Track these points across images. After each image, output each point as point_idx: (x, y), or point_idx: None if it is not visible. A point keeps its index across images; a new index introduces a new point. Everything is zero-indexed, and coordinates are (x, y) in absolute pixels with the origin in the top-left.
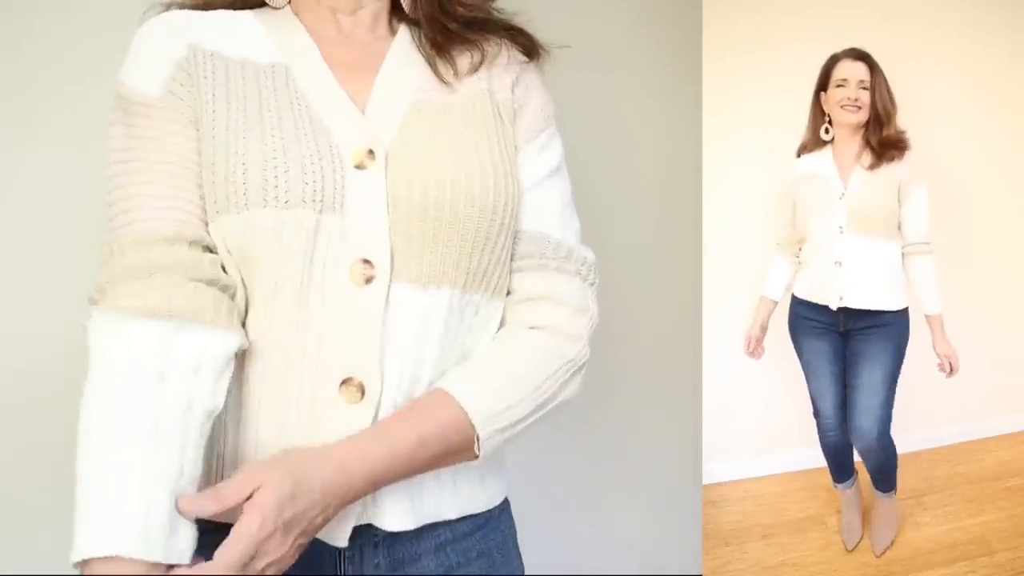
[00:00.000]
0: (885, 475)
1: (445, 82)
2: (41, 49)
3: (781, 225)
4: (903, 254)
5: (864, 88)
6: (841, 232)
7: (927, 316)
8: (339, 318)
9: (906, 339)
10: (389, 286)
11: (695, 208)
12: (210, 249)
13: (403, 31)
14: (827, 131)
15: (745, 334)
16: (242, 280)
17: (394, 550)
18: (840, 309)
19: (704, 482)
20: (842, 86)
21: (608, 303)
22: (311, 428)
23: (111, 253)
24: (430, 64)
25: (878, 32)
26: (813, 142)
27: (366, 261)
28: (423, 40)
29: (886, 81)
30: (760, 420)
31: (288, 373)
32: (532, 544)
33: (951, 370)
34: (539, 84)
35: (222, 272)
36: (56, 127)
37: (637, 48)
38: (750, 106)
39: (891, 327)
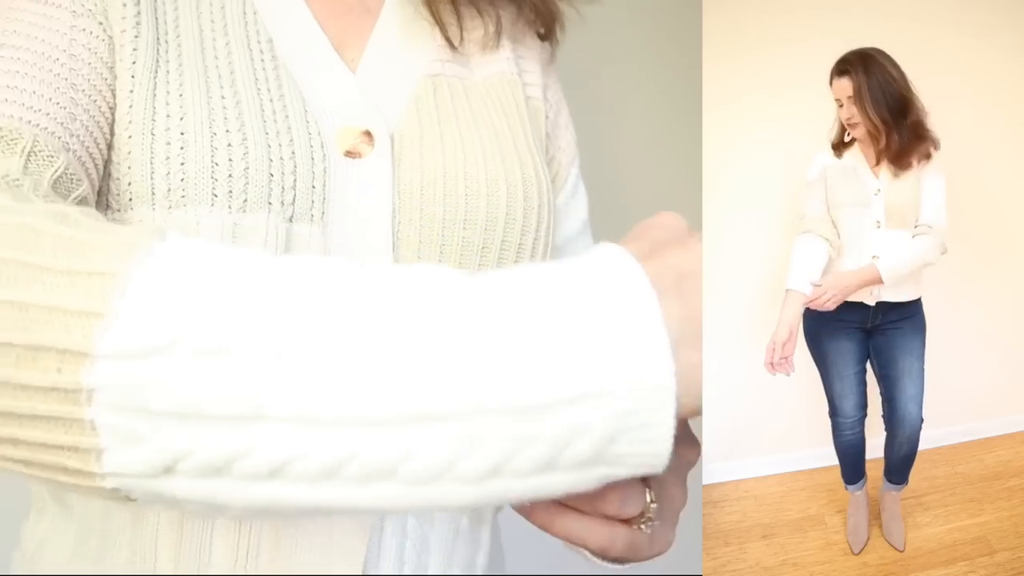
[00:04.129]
0: (909, 465)
1: (459, 53)
2: None
3: (814, 205)
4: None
5: (854, 103)
6: (879, 227)
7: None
8: None
9: (926, 326)
10: None
11: (695, 208)
12: None
13: None
14: (847, 134)
15: (771, 342)
16: None
17: None
18: (878, 304)
19: (704, 482)
20: (841, 105)
21: None
22: None
23: None
24: (439, 25)
25: (879, 30)
26: (839, 144)
27: None
28: None
29: (885, 82)
30: (760, 420)
31: None
32: (532, 544)
33: (816, 300)
34: (563, 99)
35: None
36: None
37: (637, 48)
38: (751, 105)
39: (917, 316)
